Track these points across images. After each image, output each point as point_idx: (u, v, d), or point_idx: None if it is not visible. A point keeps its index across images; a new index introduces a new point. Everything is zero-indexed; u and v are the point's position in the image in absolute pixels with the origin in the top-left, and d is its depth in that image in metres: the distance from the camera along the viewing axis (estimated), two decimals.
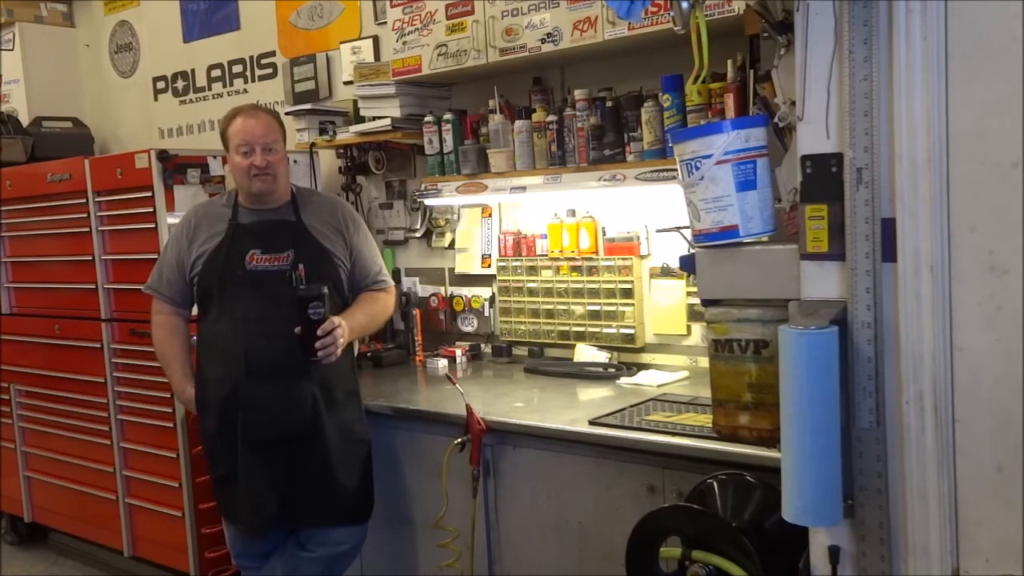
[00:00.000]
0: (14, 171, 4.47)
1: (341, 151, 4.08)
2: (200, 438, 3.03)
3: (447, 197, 3.55)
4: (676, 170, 1.92)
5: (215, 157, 3.71)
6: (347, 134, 3.85)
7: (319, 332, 2.70)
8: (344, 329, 2.76)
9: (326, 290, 2.74)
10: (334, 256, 2.93)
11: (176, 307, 3.02)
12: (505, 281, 3.69)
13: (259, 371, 2.80)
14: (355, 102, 3.83)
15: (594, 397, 3.02)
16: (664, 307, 3.29)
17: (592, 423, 2.64)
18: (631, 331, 3.34)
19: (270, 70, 4.59)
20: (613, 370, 3.27)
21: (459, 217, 3.89)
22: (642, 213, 3.31)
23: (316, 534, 2.94)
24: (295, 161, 3.95)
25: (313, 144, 3.94)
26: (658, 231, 3.22)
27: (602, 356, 3.39)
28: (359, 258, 2.99)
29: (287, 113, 3.96)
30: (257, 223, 2.90)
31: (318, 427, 2.86)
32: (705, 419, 2.42)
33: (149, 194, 3.63)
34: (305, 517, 2.91)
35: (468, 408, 2.81)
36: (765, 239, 1.84)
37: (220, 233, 2.90)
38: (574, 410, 2.84)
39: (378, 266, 3.06)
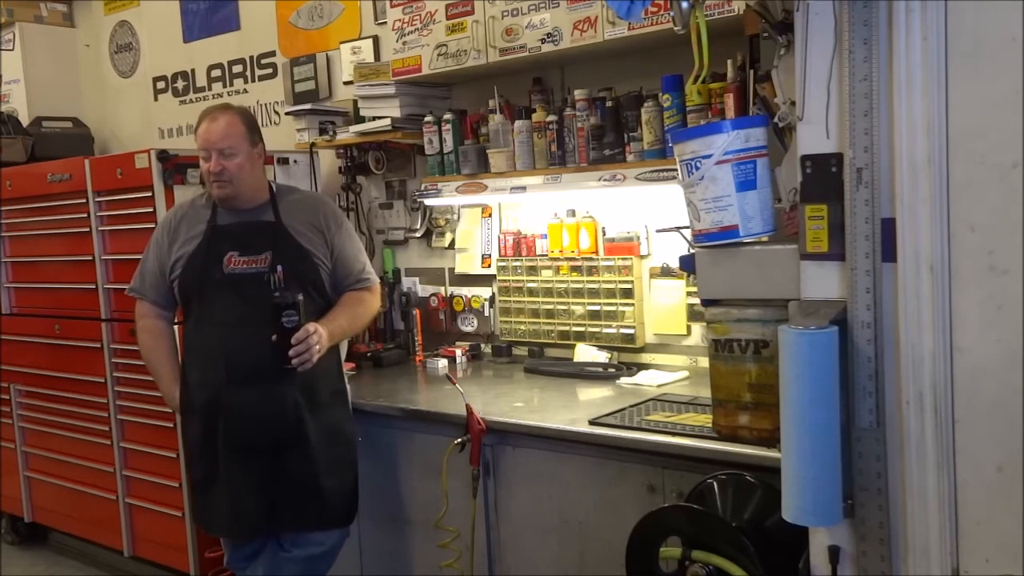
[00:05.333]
0: (14, 171, 4.47)
1: (341, 151, 4.08)
2: (185, 442, 3.00)
3: (447, 197, 3.54)
4: (676, 170, 1.92)
5: None
6: (347, 134, 3.85)
7: (292, 340, 2.65)
8: (321, 335, 2.70)
9: (301, 297, 2.68)
10: (314, 256, 2.86)
11: (160, 309, 2.97)
12: (505, 281, 3.69)
13: (240, 376, 2.76)
14: (355, 102, 3.83)
15: (594, 397, 3.02)
16: (664, 307, 3.29)
17: (592, 423, 2.64)
18: (631, 331, 3.34)
19: (270, 70, 4.59)
20: (613, 370, 3.27)
21: (459, 217, 3.89)
22: (642, 213, 3.31)
23: (296, 535, 2.91)
24: (295, 161, 3.96)
25: (313, 144, 3.94)
26: (658, 231, 3.22)
27: (602, 356, 3.39)
28: (341, 257, 2.93)
29: (287, 113, 3.96)
30: (235, 224, 2.85)
31: (301, 432, 2.81)
32: (705, 419, 2.42)
33: (149, 194, 3.63)
34: (288, 523, 2.88)
35: (468, 408, 2.81)
36: (765, 239, 1.84)
37: (199, 235, 2.86)
38: (574, 410, 2.84)
39: (361, 264, 2.99)
